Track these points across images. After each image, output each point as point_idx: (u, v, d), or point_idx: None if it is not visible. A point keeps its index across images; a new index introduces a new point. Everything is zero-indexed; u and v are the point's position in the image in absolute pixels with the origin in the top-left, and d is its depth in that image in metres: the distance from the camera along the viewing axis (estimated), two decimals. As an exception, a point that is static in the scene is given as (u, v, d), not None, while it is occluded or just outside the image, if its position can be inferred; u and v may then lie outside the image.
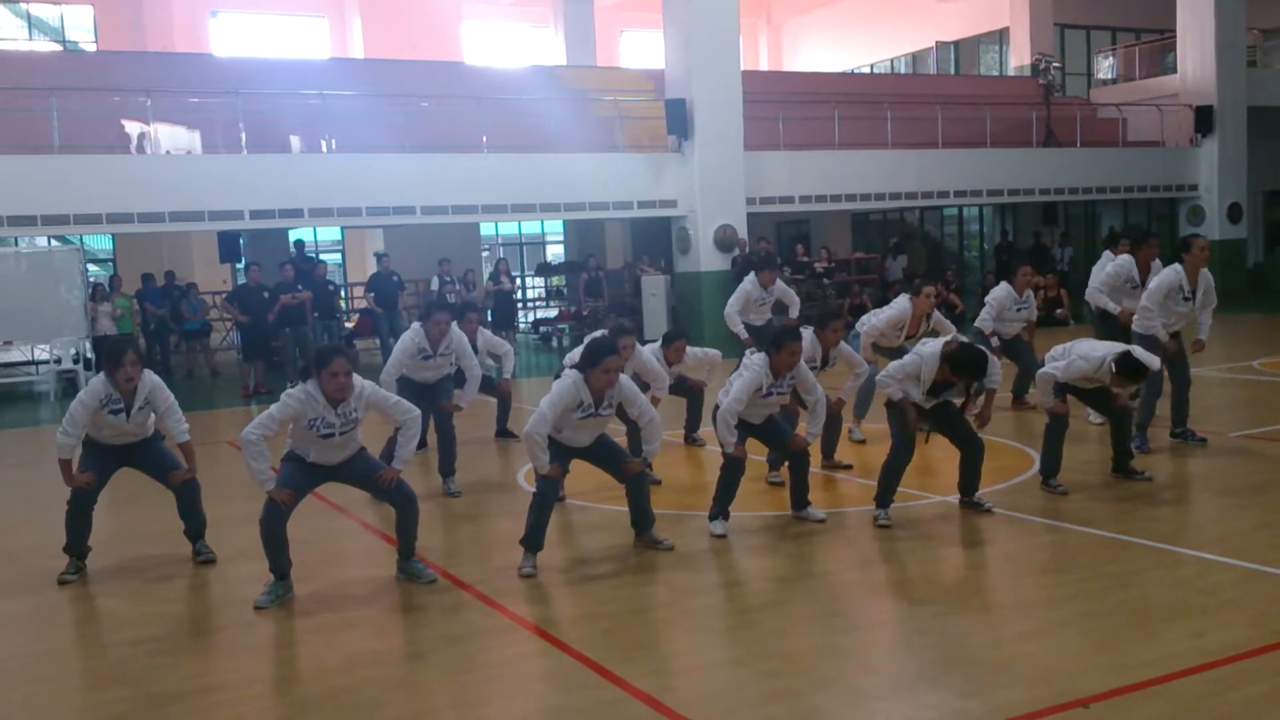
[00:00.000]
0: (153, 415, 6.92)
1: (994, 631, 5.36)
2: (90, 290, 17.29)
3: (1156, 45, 29.35)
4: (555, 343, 22.20)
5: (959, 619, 5.56)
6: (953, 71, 33.00)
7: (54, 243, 19.88)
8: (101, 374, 6.86)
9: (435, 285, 19.23)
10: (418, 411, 6.53)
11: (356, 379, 6.22)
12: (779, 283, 11.95)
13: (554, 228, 29.41)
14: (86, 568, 6.96)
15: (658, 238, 22.31)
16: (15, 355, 17.32)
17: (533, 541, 6.56)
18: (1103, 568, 6.17)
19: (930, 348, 7.26)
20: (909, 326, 9.78)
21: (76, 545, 6.93)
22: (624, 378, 6.85)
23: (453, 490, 8.76)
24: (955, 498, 7.59)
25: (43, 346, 17.02)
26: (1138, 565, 6.20)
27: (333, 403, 6.11)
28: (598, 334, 8.68)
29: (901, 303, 9.88)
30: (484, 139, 19.73)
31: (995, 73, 32.26)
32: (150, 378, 6.86)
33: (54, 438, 6.82)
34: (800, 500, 7.47)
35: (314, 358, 6.25)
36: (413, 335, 8.78)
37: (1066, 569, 6.27)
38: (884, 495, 7.34)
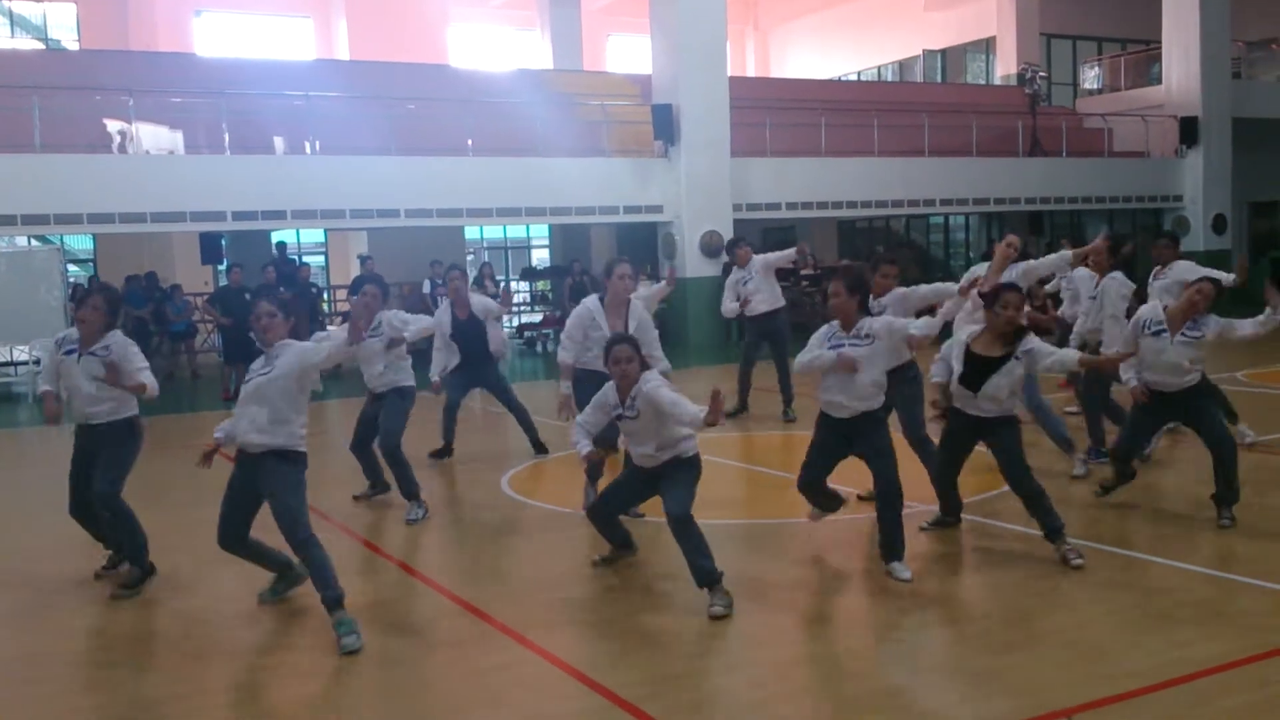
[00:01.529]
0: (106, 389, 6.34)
1: (979, 641, 5.32)
2: (70, 291, 17.14)
3: (1142, 56, 29.47)
4: (540, 348, 22.11)
5: (944, 629, 5.55)
6: (939, 80, 33.09)
7: (34, 243, 19.71)
8: None
9: (427, 288, 19.14)
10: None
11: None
12: (757, 258, 11.50)
13: (539, 232, 29.34)
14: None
15: (644, 243, 22.28)
16: None
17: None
18: (1088, 578, 6.14)
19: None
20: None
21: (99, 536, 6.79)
22: (636, 301, 7.25)
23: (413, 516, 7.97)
24: (934, 506, 7.51)
25: (21, 347, 16.84)
26: (1123, 576, 6.18)
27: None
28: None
29: None
30: (469, 142, 19.66)
31: (982, 81, 32.35)
32: (120, 337, 6.46)
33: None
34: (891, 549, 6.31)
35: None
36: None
37: (1050, 578, 6.24)
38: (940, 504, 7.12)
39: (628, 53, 33.94)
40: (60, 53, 26.51)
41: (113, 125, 17.84)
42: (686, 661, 5.24)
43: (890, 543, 6.21)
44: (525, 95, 21.81)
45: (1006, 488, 7.92)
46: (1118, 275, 8.86)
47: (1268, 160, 27.72)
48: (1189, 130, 25.80)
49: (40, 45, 28.16)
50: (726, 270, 11.49)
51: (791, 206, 22.45)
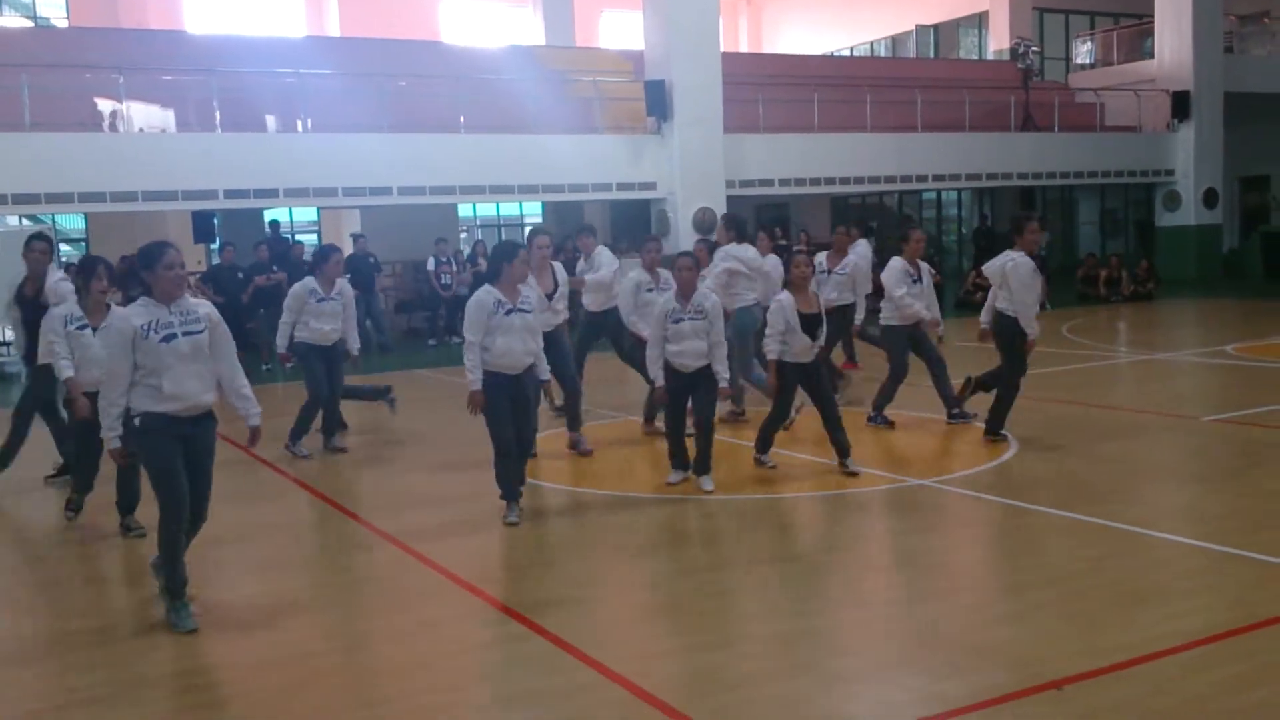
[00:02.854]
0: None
1: (970, 615, 5.36)
2: (63, 269, 17.08)
3: (1135, 30, 29.43)
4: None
5: (935, 602, 5.58)
6: (932, 55, 33.00)
7: (25, 222, 19.62)
8: None
9: (431, 265, 19.11)
10: None
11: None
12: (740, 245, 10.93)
13: (532, 209, 29.26)
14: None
15: (637, 220, 22.24)
16: None
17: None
18: (1079, 551, 6.20)
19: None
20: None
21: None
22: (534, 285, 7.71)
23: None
24: (932, 480, 7.58)
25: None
26: (1114, 549, 6.22)
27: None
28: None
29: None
30: (462, 119, 19.59)
31: (974, 56, 32.28)
32: (120, 310, 6.26)
33: None
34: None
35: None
36: (303, 283, 9.48)
37: (1043, 552, 6.31)
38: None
39: (620, 29, 33.78)
40: (49, 30, 26.31)
41: (103, 104, 17.74)
42: (678, 636, 5.28)
43: (702, 459, 7.78)
44: (517, 72, 21.70)
45: (997, 461, 8.02)
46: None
47: (1259, 135, 27.75)
48: (1181, 104, 25.79)
49: (29, 23, 27.96)
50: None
51: (785, 183, 22.42)
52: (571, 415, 9.36)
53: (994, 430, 8.86)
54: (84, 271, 7.22)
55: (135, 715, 4.57)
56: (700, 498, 7.59)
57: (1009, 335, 8.70)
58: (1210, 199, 26.33)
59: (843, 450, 7.98)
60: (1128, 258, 23.77)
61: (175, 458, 5.38)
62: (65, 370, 7.11)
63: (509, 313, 6.99)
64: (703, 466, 7.79)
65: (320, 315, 9.36)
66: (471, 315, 6.97)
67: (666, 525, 7.21)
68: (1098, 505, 7.04)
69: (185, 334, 5.40)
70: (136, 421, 5.39)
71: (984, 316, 8.95)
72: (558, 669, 4.84)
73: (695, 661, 4.93)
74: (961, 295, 22.75)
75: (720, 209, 20.33)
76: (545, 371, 7.46)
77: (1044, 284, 10.15)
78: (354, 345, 9.68)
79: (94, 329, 7.00)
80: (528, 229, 11.84)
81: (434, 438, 10.33)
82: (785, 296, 7.96)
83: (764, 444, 8.34)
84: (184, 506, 5.42)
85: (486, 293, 7.02)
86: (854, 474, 7.92)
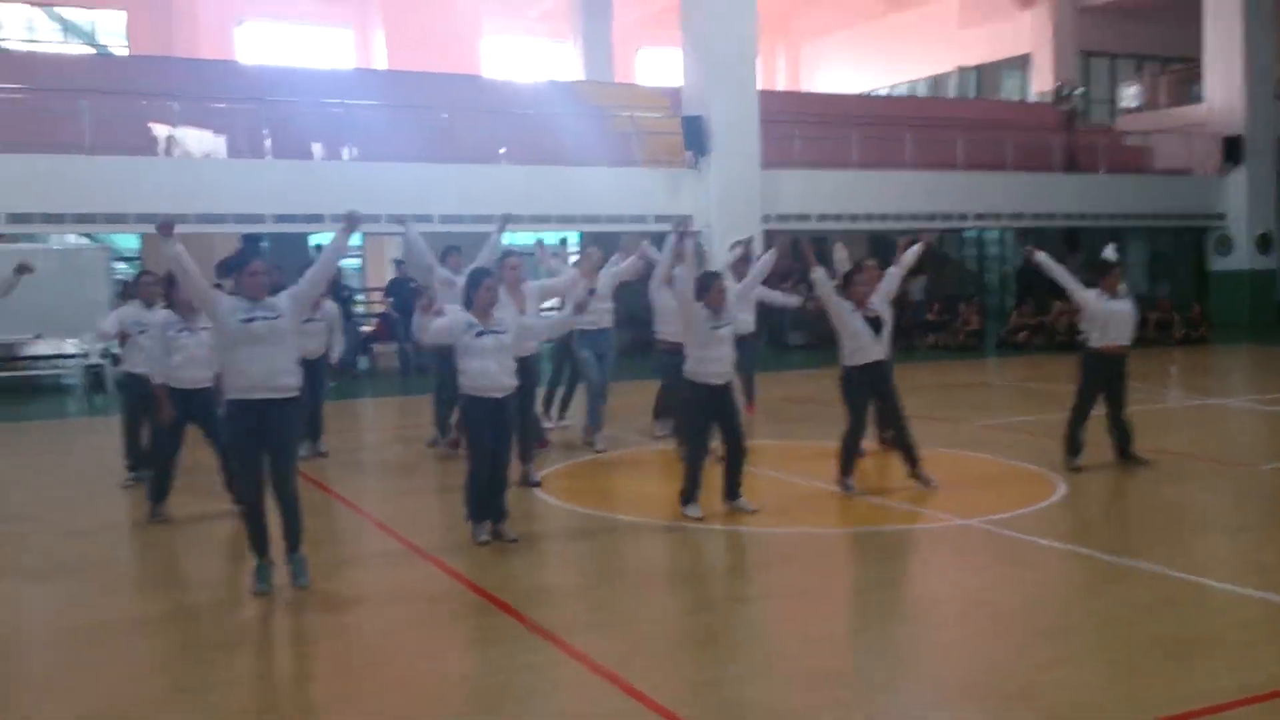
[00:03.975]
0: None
1: (1013, 659, 5.23)
2: (121, 288, 17.43)
3: (1182, 74, 29.23)
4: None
5: (977, 644, 5.47)
6: (972, 96, 32.91)
7: (84, 240, 20.05)
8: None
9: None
10: None
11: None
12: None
13: (571, 239, 29.39)
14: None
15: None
16: (44, 349, 17.50)
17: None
18: (1129, 597, 6.04)
19: None
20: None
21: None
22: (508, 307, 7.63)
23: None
24: (978, 520, 7.52)
25: (71, 340, 17.21)
26: (1166, 596, 6.06)
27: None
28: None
29: None
30: (502, 151, 19.76)
31: (1016, 98, 32.15)
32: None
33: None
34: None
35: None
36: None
37: (1094, 597, 6.17)
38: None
39: (657, 65, 34.00)
40: (109, 59, 26.85)
41: (159, 129, 18.08)
42: (715, 668, 5.20)
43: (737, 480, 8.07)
44: (556, 105, 21.88)
45: (1046, 503, 7.92)
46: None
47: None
48: (1233, 149, 25.51)
49: (90, 50, 28.57)
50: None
51: (822, 218, 22.38)
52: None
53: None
54: (169, 280, 7.94)
55: None
56: (732, 528, 7.56)
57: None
58: (1264, 244, 25.98)
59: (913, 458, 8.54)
60: (1178, 301, 23.46)
61: None
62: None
63: (479, 335, 7.05)
64: (737, 489, 7.87)
65: (305, 334, 9.47)
66: (450, 320, 7.16)
67: (699, 555, 7.18)
68: (1150, 551, 6.88)
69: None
70: None
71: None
72: (594, 695, 4.81)
73: (729, 693, 4.86)
74: (1004, 335, 22.59)
75: (759, 242, 20.34)
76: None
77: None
78: (334, 357, 10.51)
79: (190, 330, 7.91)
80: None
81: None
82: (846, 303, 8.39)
83: (846, 466, 8.49)
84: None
85: (463, 313, 7.15)
86: (929, 484, 8.36)
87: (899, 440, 8.64)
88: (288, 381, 6.24)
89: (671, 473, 9.20)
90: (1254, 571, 6.56)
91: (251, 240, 19.00)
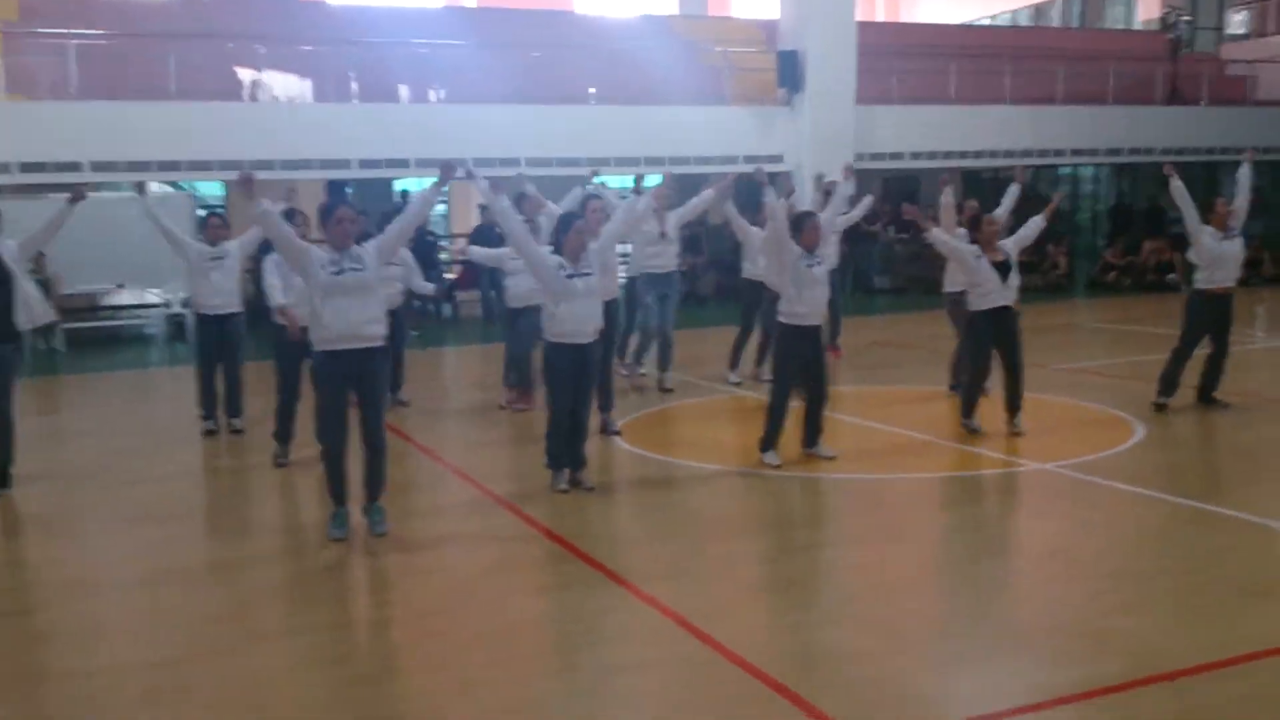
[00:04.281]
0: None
1: (1087, 603, 5.24)
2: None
3: (1293, -1, 28.00)
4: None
5: (1051, 588, 5.49)
6: (1076, 25, 31.90)
7: (168, 189, 20.35)
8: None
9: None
10: None
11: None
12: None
13: (654, 181, 29.30)
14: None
15: (758, 193, 22.04)
16: (126, 299, 17.81)
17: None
18: (1201, 541, 6.03)
19: None
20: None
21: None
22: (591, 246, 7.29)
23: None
24: (1053, 464, 7.44)
25: (154, 291, 17.46)
26: (1238, 541, 6.04)
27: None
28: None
29: None
30: (591, 90, 19.67)
31: (1121, 26, 31.10)
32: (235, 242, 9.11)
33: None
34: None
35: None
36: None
37: (1164, 541, 6.14)
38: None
39: (754, -1, 33.45)
40: (193, 2, 27.16)
41: (244, 73, 18.27)
42: (789, 613, 5.29)
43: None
44: (648, 41, 21.67)
45: (1123, 447, 7.82)
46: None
47: None
48: (1340, 78, 24.49)
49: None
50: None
51: (916, 156, 21.97)
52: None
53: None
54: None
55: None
56: (810, 474, 7.57)
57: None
58: (1366, 179, 24.98)
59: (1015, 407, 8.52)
60: (1270, 238, 22.70)
61: None
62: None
63: (570, 276, 7.06)
64: (817, 435, 7.89)
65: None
66: (544, 267, 7.13)
67: (776, 501, 7.20)
68: (1226, 495, 6.83)
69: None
70: None
71: None
72: (669, 640, 4.88)
73: (803, 638, 4.93)
74: (1095, 274, 22.09)
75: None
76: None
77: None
78: (424, 289, 10.30)
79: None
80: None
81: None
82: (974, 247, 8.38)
83: (969, 407, 8.55)
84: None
85: (553, 256, 7.15)
86: (1019, 433, 8.37)
87: (1011, 386, 8.51)
88: (375, 330, 6.34)
89: (748, 420, 9.21)
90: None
91: (337, 186, 19.22)
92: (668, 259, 10.58)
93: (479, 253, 10.48)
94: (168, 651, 4.93)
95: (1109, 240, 23.30)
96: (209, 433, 9.37)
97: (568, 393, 7.16)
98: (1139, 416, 8.92)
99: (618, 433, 8.90)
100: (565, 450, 7.27)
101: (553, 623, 5.25)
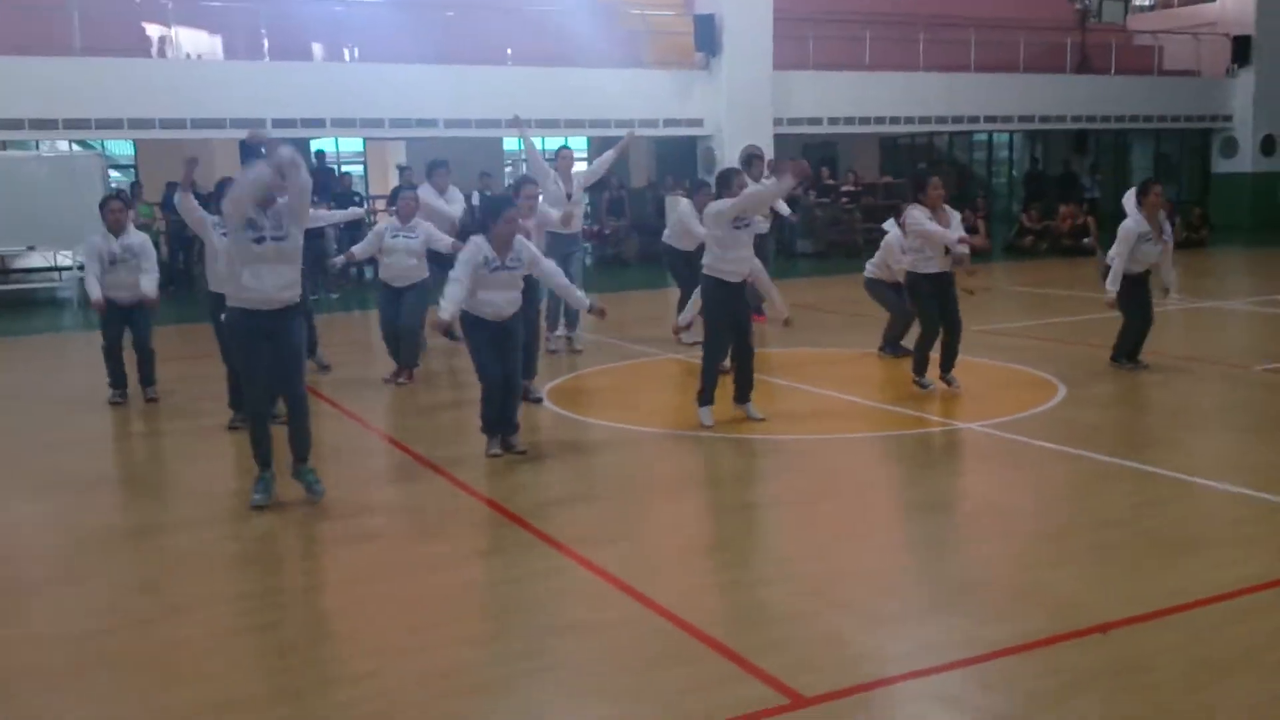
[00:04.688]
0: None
1: (1014, 559, 5.34)
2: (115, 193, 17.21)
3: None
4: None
5: (978, 546, 5.57)
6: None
7: (75, 147, 19.73)
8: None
9: (475, 199, 19.05)
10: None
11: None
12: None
13: (577, 145, 29.09)
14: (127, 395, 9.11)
15: (683, 157, 22.06)
16: (37, 261, 17.26)
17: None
18: (1125, 498, 6.16)
19: None
20: None
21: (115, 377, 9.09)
22: (526, 243, 7.20)
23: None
24: (978, 424, 7.58)
25: (65, 252, 16.94)
26: (1160, 496, 6.19)
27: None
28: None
29: None
30: (509, 51, 19.44)
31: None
32: (140, 236, 9.17)
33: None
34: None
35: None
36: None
37: (1088, 498, 6.27)
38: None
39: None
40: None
41: (152, 29, 17.74)
42: (720, 572, 5.31)
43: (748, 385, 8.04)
44: (567, 2, 21.46)
45: (1045, 407, 7.98)
46: None
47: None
48: (1241, 49, 25.20)
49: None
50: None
51: (833, 121, 22.13)
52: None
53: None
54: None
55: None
56: (741, 435, 7.60)
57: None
58: (1268, 146, 25.78)
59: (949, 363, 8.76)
60: (1181, 204, 23.37)
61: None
62: None
63: (494, 270, 6.95)
64: (748, 392, 7.92)
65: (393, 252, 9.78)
66: (463, 260, 6.92)
67: (708, 462, 7.23)
68: (1145, 452, 7.00)
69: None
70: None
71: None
72: (604, 602, 4.88)
73: (739, 598, 4.96)
74: (1011, 239, 22.50)
75: (768, 148, 20.14)
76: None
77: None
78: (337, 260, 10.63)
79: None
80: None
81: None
82: (919, 211, 8.46)
83: (920, 367, 8.73)
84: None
85: (479, 246, 6.97)
86: (957, 390, 8.63)
87: (950, 345, 8.73)
88: (290, 295, 6.20)
89: (675, 383, 9.23)
90: (1247, 471, 6.64)
91: (249, 148, 18.77)
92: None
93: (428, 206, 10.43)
94: (90, 623, 4.78)
95: (1024, 205, 23.73)
96: (116, 404, 9.13)
97: (495, 361, 7.08)
98: (1059, 377, 9.11)
99: (539, 400, 8.85)
100: (499, 416, 7.21)
101: (487, 587, 5.20)
